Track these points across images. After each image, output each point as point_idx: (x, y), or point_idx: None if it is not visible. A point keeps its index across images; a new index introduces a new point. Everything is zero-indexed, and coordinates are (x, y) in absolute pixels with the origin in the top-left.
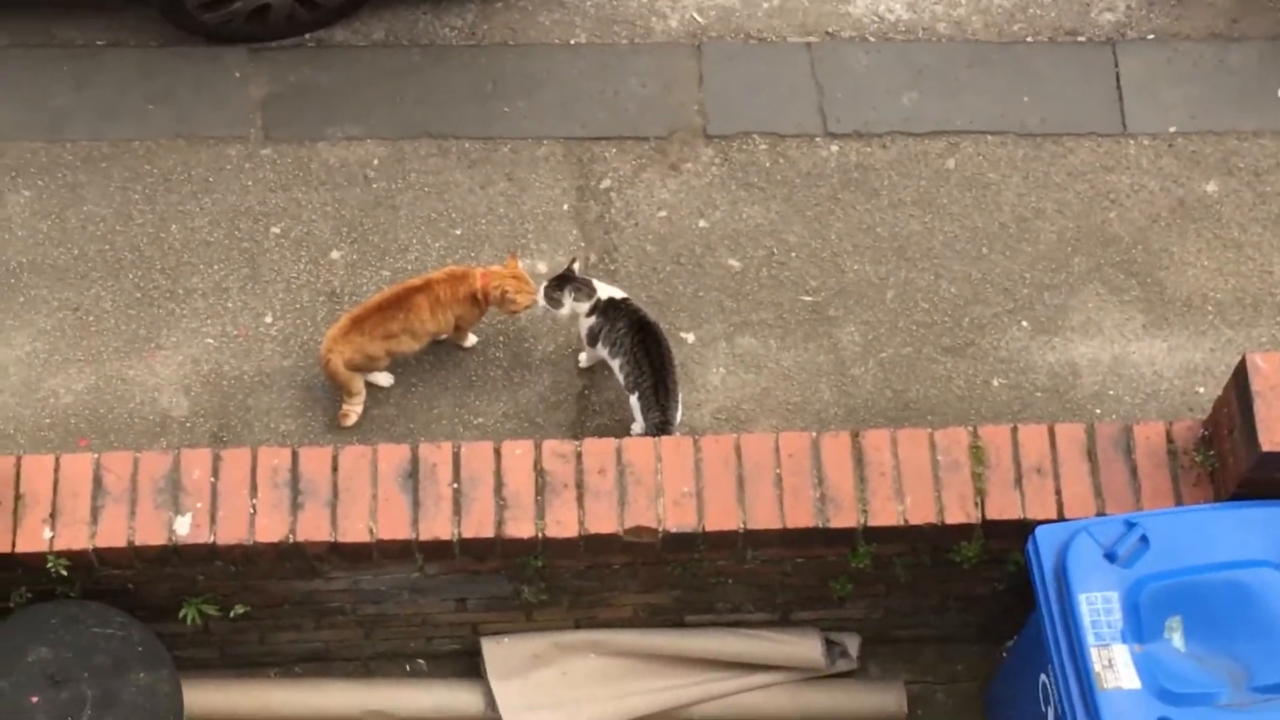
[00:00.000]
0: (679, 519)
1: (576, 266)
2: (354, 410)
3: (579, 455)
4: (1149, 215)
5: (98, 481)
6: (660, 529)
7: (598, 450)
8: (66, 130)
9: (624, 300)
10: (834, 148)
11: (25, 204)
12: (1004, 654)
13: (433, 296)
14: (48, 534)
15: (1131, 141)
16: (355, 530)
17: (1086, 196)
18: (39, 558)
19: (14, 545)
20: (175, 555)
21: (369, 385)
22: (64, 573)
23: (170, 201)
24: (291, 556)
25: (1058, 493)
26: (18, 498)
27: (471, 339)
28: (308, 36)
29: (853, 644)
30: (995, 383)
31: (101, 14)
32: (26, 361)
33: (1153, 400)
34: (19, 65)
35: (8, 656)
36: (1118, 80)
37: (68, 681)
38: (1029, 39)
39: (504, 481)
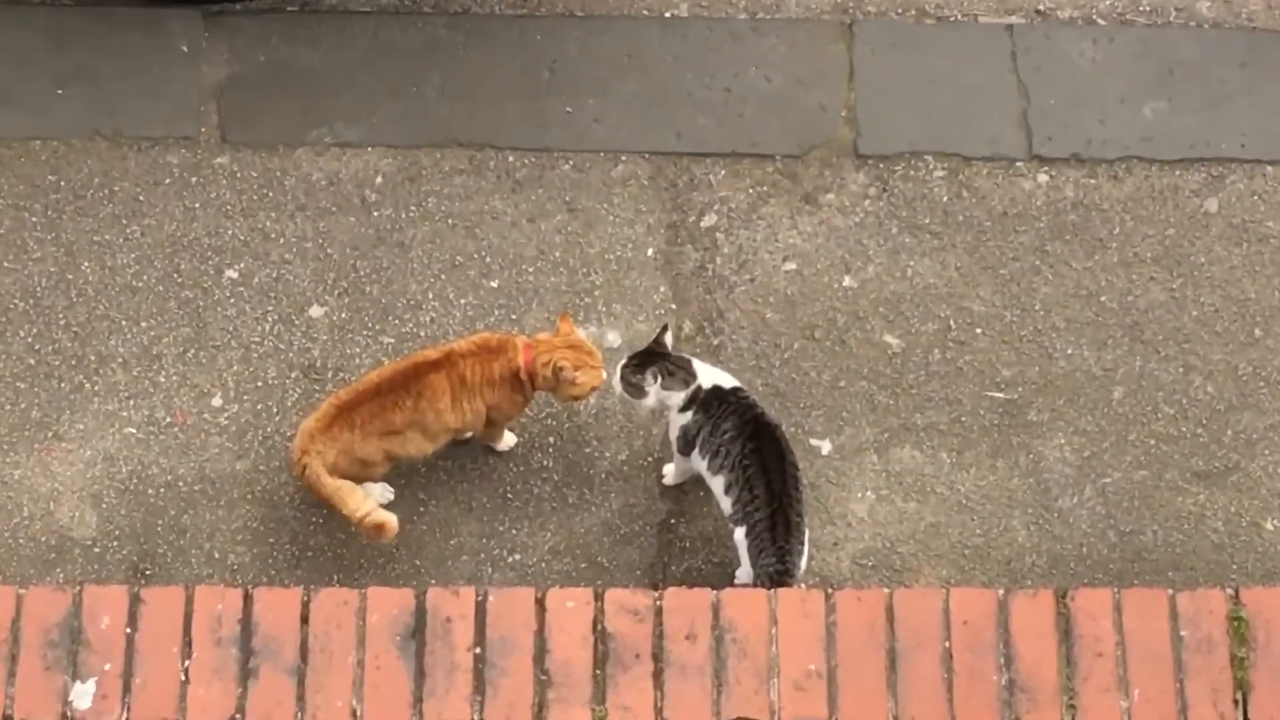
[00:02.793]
0: (801, 709)
1: (669, 339)
2: (373, 513)
3: (658, 612)
4: None
5: None
6: None
7: (686, 605)
8: None
9: (733, 391)
10: (1042, 178)
11: None
12: None
13: (455, 376)
14: None
15: None
16: (331, 710)
17: None
18: None
19: None
20: None
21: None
22: None
23: (82, 229)
24: None
25: None
26: None
27: (509, 439)
28: None
29: None
30: (1269, 526)
31: None
32: None
33: None
34: None
35: None
36: None
37: None
38: None
39: (549, 647)
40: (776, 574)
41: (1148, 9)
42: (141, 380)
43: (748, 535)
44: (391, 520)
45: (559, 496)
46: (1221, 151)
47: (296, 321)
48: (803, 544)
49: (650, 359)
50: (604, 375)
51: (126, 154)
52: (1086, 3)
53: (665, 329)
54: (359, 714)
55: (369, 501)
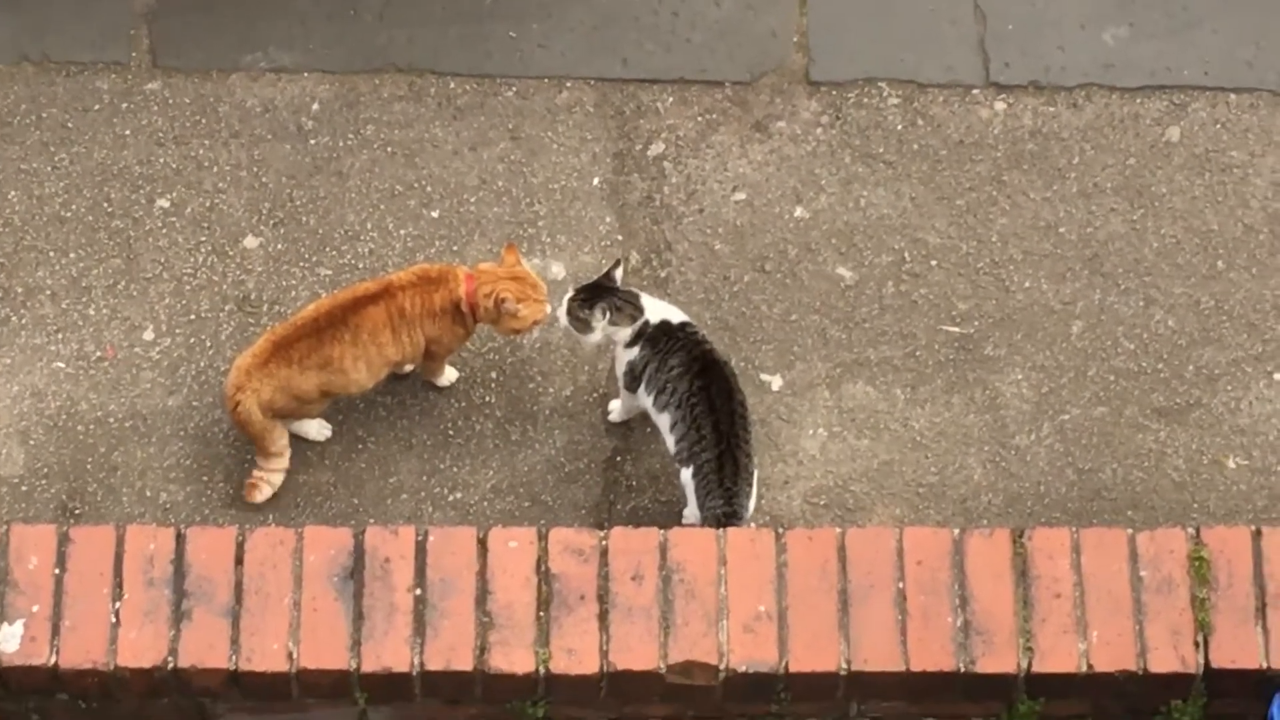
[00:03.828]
0: (750, 652)
1: (619, 274)
2: (269, 479)
3: (603, 552)
4: None
5: None
6: (722, 666)
7: (631, 545)
8: None
9: (682, 326)
10: (999, 105)
11: None
12: None
13: (394, 308)
14: None
15: None
16: (266, 653)
17: None
18: None
19: None
20: None
21: (295, 440)
22: None
23: (8, 156)
24: (170, 689)
25: None
26: None
27: (449, 374)
28: None
29: None
30: (1231, 464)
31: None
32: None
33: None
34: None
35: None
36: None
37: None
38: None
39: (490, 588)
40: (724, 516)
41: None
42: (70, 313)
43: (694, 476)
44: (257, 498)
45: (501, 433)
46: (1184, 79)
47: (231, 253)
48: (751, 485)
49: (599, 293)
50: (548, 309)
51: (54, 79)
52: None
53: (618, 264)
54: (295, 657)
55: (278, 469)
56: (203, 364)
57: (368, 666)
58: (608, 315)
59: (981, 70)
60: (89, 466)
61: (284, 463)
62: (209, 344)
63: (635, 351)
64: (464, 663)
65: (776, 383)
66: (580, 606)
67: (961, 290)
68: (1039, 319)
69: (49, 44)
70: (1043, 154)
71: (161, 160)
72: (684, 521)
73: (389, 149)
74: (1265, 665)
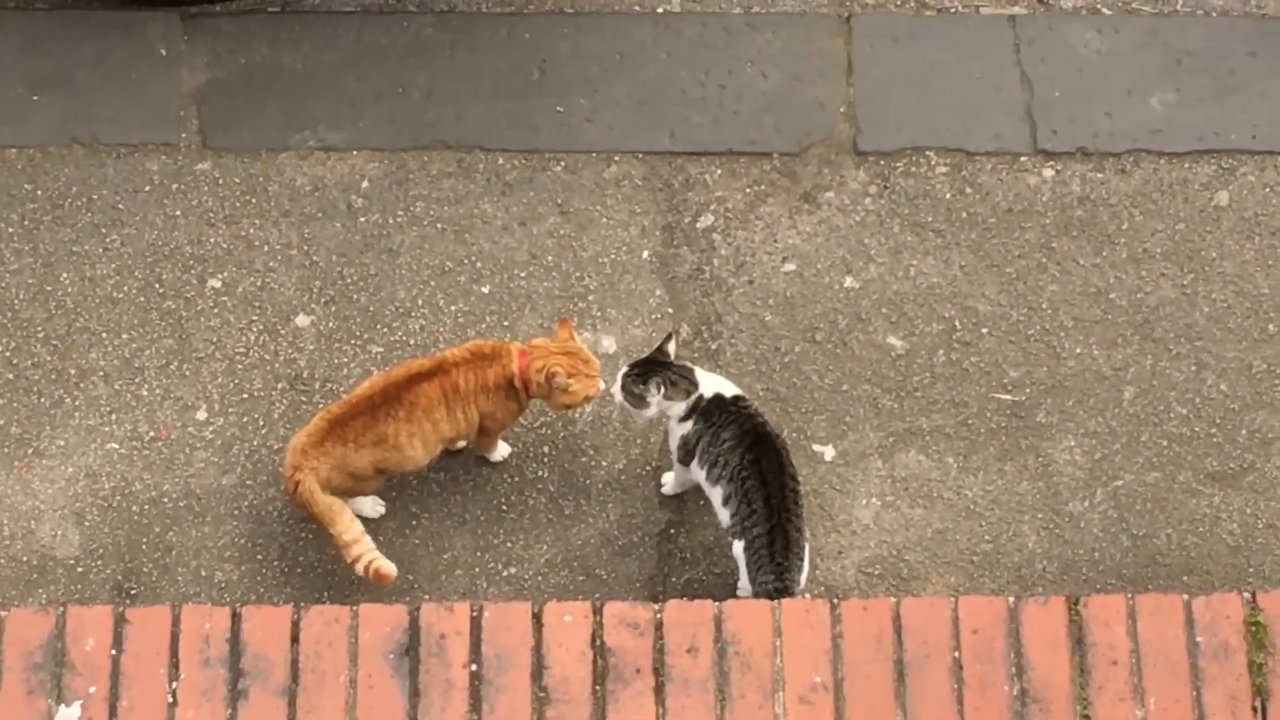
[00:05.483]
0: None
1: (672, 347)
2: (367, 553)
3: (658, 625)
4: None
5: None
6: None
7: (686, 618)
8: None
9: (735, 399)
10: (1048, 172)
11: None
12: None
13: (448, 384)
14: None
15: None
16: None
17: None
18: None
19: None
20: None
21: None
22: None
23: (60, 239)
24: None
25: None
26: None
27: (502, 449)
28: None
29: None
30: None
31: None
32: None
33: None
34: None
35: None
36: None
37: None
38: None
39: (546, 663)
40: (775, 591)
41: None
42: (123, 394)
43: (746, 550)
44: (392, 569)
45: (555, 508)
46: (1232, 143)
47: (282, 331)
48: (802, 559)
49: (653, 368)
50: (600, 384)
51: (105, 161)
52: None
53: (669, 337)
54: None
55: (365, 540)
56: (256, 443)
57: None
58: (662, 390)
59: (1029, 138)
60: (144, 547)
61: (366, 540)
62: (262, 423)
63: (689, 425)
64: None
65: (829, 453)
66: (636, 680)
67: (1013, 358)
68: (1091, 385)
69: (98, 127)
70: (1092, 220)
71: (212, 240)
72: (739, 593)
73: (439, 225)
74: None
